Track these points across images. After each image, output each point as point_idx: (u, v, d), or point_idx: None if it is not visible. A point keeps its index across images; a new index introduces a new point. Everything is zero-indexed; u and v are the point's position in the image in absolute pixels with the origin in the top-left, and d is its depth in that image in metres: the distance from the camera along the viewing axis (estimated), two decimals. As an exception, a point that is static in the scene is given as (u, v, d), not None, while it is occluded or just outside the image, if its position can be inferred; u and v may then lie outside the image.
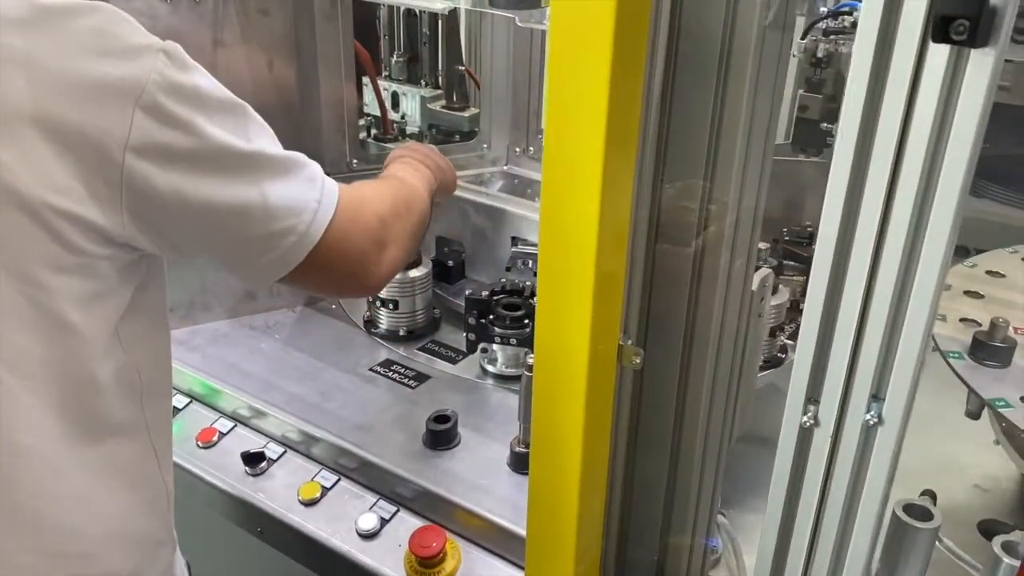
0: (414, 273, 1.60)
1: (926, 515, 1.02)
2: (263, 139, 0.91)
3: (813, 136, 1.33)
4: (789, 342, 1.57)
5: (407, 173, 1.23)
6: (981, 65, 0.68)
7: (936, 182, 0.74)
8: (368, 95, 2.00)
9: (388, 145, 1.93)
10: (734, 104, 0.94)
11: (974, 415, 1.34)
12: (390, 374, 1.52)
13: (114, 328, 0.89)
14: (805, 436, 0.88)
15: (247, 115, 0.90)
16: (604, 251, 0.88)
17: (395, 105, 2.09)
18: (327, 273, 1.00)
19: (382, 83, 2.07)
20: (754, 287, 1.12)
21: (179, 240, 0.89)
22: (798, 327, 1.46)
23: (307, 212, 0.93)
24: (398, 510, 1.28)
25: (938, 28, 0.65)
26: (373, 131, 2.01)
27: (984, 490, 1.54)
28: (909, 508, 1.02)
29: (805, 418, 0.87)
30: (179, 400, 1.51)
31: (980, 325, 1.36)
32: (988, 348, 1.33)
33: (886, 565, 1.04)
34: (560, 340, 0.94)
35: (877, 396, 0.83)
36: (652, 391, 1.06)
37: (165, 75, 0.81)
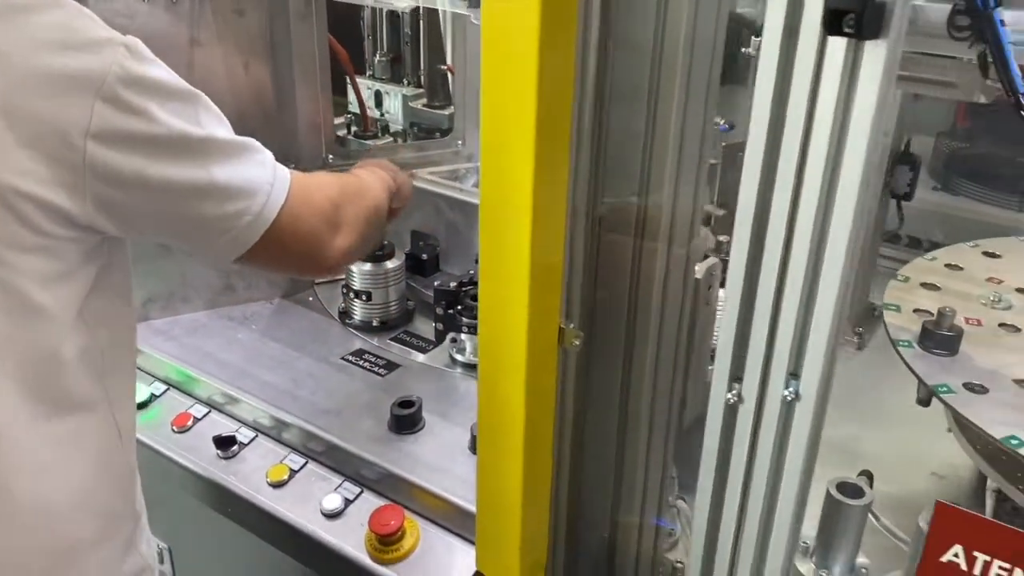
0: (388, 265, 1.65)
1: (858, 493, 1.07)
2: (217, 126, 0.96)
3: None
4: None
5: (361, 172, 1.28)
6: (874, 56, 0.72)
7: (840, 170, 0.78)
8: (351, 92, 2.05)
9: (368, 142, 1.98)
10: (666, 103, 0.98)
11: (924, 403, 1.37)
12: (361, 363, 1.56)
13: (78, 307, 0.94)
14: (730, 412, 0.92)
15: (201, 103, 0.95)
16: (539, 241, 0.93)
17: (378, 103, 2.15)
18: (283, 252, 1.05)
19: (366, 82, 2.12)
20: (699, 276, 1.17)
21: (140, 222, 0.94)
22: None
23: (261, 193, 0.98)
24: (362, 491, 1.33)
25: (831, 22, 0.70)
26: (354, 128, 2.06)
27: (941, 477, 1.58)
28: (842, 486, 1.07)
29: (730, 395, 0.92)
30: (157, 387, 1.57)
31: (933, 315, 1.40)
32: (936, 337, 1.37)
33: (822, 541, 1.09)
34: (501, 324, 0.98)
35: (795, 374, 0.87)
36: (597, 373, 1.11)
37: (125, 67, 0.86)
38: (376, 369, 1.55)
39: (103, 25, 0.90)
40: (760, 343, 0.88)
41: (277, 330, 1.67)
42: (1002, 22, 1.11)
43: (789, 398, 0.87)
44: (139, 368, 1.58)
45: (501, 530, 1.09)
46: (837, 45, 0.74)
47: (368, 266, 1.64)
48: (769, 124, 0.80)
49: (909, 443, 1.57)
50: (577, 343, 1.03)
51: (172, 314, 1.68)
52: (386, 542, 1.22)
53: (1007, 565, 0.81)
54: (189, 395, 1.55)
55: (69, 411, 0.96)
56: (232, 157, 0.96)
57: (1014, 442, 1.16)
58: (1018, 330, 1.45)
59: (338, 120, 2.05)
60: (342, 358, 1.58)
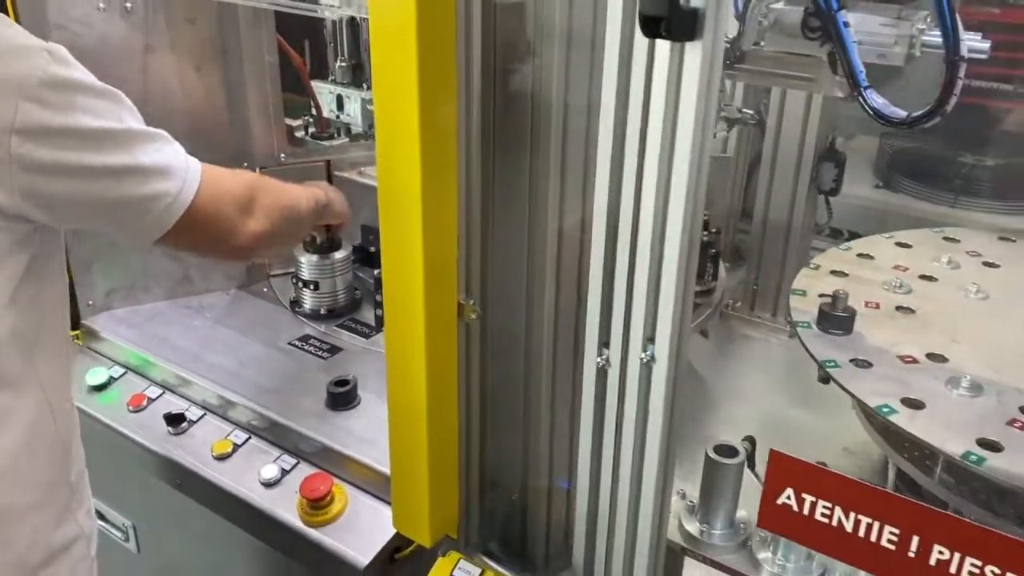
0: (335, 256, 1.76)
1: (733, 453, 1.18)
2: (136, 120, 1.07)
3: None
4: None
5: (291, 184, 1.41)
6: (691, 56, 0.83)
7: (673, 157, 0.89)
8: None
9: (324, 143, 2.09)
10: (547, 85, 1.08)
11: (824, 380, 1.47)
12: (306, 347, 1.67)
13: (10, 293, 1.03)
14: (601, 375, 1.03)
15: (120, 100, 1.05)
16: (431, 227, 1.04)
17: (340, 106, 2.24)
18: (199, 234, 1.16)
19: (328, 86, 2.21)
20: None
21: (66, 209, 1.05)
22: None
23: (177, 178, 1.09)
24: (298, 463, 1.44)
25: (647, 27, 0.81)
26: (311, 129, 2.16)
27: (852, 453, 1.68)
28: (719, 448, 1.17)
29: (600, 360, 1.03)
30: (116, 371, 1.68)
31: (834, 299, 1.50)
32: (831, 318, 1.48)
33: (704, 499, 1.20)
34: (402, 302, 1.09)
35: (651, 339, 0.98)
36: (500, 346, 1.21)
37: (48, 71, 0.97)
38: (320, 353, 1.66)
39: (27, 33, 1.01)
40: (620, 314, 0.99)
41: (231, 318, 1.78)
42: (846, 23, 1.24)
43: (647, 360, 0.98)
44: (99, 353, 1.70)
45: (411, 491, 1.20)
46: (663, 48, 0.85)
47: (316, 257, 1.75)
48: (615, 119, 0.91)
49: (829, 421, 1.67)
50: (475, 316, 1.13)
51: (134, 303, 1.80)
52: (316, 506, 1.33)
53: (829, 504, 0.92)
54: (145, 377, 1.66)
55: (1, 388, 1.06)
56: (151, 143, 1.07)
57: (885, 410, 1.27)
58: (913, 312, 1.56)
59: (298, 122, 2.15)
60: (289, 343, 1.69)
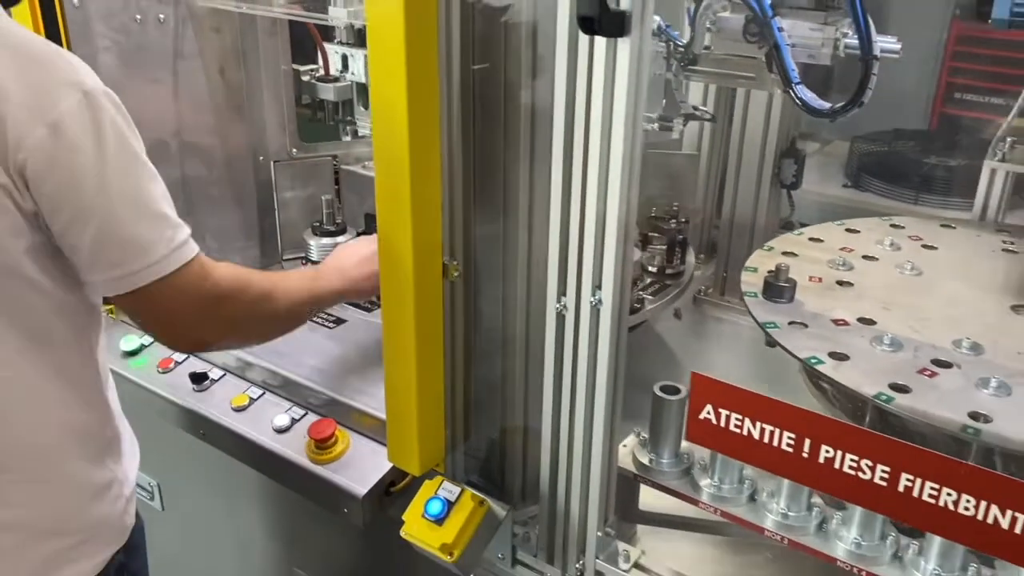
0: (339, 239, 1.97)
1: (675, 391, 1.37)
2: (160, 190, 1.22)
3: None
4: (646, 295, 1.92)
5: (305, 280, 1.48)
6: (622, 51, 1.04)
7: (611, 138, 1.09)
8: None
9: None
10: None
11: (770, 344, 1.66)
12: (315, 319, 1.87)
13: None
14: (560, 319, 1.23)
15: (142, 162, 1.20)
16: (418, 200, 1.24)
17: (344, 66, 2.38)
18: (154, 311, 1.25)
19: (334, 47, 2.32)
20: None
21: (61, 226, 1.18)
22: (653, 283, 1.83)
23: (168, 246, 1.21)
24: (307, 413, 1.64)
25: (583, 24, 1.01)
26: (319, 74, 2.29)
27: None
28: (664, 387, 1.37)
29: (558, 306, 1.23)
30: (146, 339, 1.89)
31: (783, 275, 1.69)
32: (774, 288, 1.68)
33: (653, 433, 1.39)
34: (394, 264, 1.30)
35: (599, 286, 1.18)
36: (481, 303, 1.41)
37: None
38: (327, 324, 1.86)
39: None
40: (574, 266, 1.19)
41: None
42: (780, 28, 1.45)
43: (595, 304, 1.19)
44: (128, 323, 1.92)
45: (403, 427, 1.40)
46: (600, 43, 1.05)
47: (324, 240, 1.96)
48: (566, 105, 1.12)
49: (780, 385, 1.83)
50: (457, 275, 1.34)
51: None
52: (322, 446, 1.53)
53: (740, 416, 1.12)
54: (172, 345, 1.87)
55: (54, 346, 1.26)
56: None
57: (813, 360, 1.47)
58: (852, 285, 1.76)
59: (305, 68, 2.25)
60: (301, 315, 1.89)
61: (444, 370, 1.40)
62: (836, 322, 1.59)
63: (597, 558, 1.34)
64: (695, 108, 1.70)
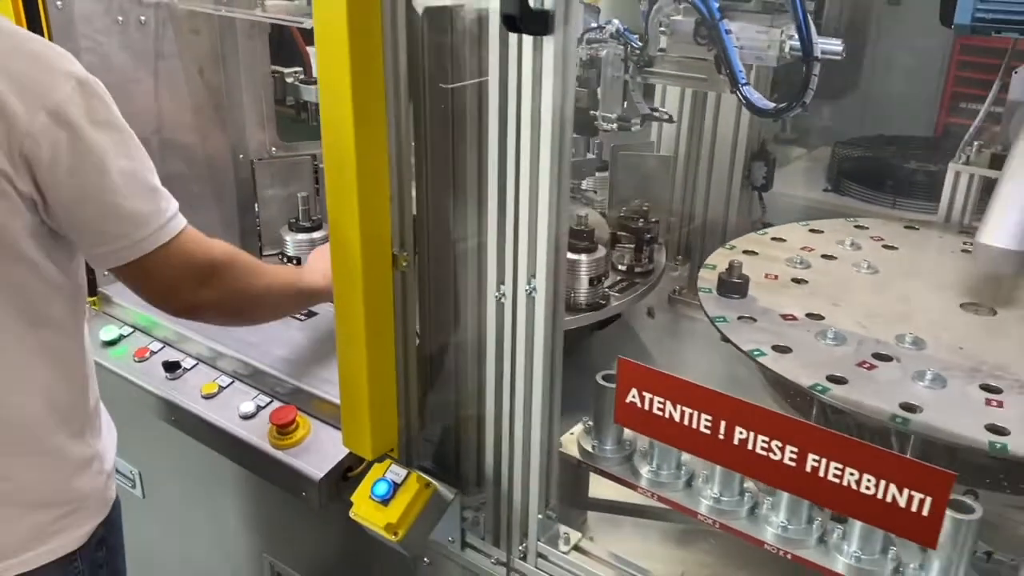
0: (315, 235, 2.02)
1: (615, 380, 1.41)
2: (149, 165, 1.32)
3: (586, 123, 1.73)
4: (612, 293, 1.96)
5: (291, 272, 1.60)
6: (547, 48, 1.09)
7: (540, 129, 1.14)
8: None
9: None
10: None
11: (726, 339, 1.71)
12: (288, 312, 1.93)
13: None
14: (500, 306, 1.28)
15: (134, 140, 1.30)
16: (366, 196, 1.29)
17: None
18: (155, 278, 1.35)
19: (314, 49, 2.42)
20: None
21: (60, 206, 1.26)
22: (621, 280, 1.87)
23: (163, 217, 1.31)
24: (272, 401, 1.70)
25: (507, 23, 1.06)
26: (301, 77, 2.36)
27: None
28: (606, 376, 1.41)
29: (497, 293, 1.28)
30: (125, 329, 1.96)
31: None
32: (728, 284, 1.73)
33: (596, 421, 1.44)
34: (345, 254, 1.35)
35: (534, 275, 1.23)
36: (434, 292, 1.46)
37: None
38: (298, 316, 1.92)
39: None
40: (511, 257, 1.24)
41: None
42: (728, 31, 1.49)
43: (530, 292, 1.23)
44: (112, 316, 1.99)
45: (356, 413, 1.45)
46: (528, 40, 1.10)
47: (300, 236, 2.02)
48: (499, 102, 1.17)
49: (738, 382, 1.85)
50: (406, 265, 1.39)
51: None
52: (282, 432, 1.59)
53: (662, 399, 1.16)
54: (150, 335, 1.93)
55: (46, 326, 1.33)
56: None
57: (756, 352, 1.51)
58: (806, 283, 1.80)
59: (289, 69, 2.31)
60: (274, 309, 1.95)
61: (395, 357, 1.45)
62: (785, 317, 1.64)
63: (539, 540, 1.39)
64: (653, 109, 1.74)
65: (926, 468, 0.96)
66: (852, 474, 1.03)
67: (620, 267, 2.04)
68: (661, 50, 1.65)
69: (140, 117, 1.92)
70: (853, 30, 3.22)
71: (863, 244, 1.99)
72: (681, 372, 2.03)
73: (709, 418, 1.12)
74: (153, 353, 1.87)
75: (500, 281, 1.27)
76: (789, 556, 1.22)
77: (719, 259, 1.86)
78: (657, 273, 2.08)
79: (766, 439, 1.08)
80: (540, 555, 1.40)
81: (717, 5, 1.50)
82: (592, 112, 1.69)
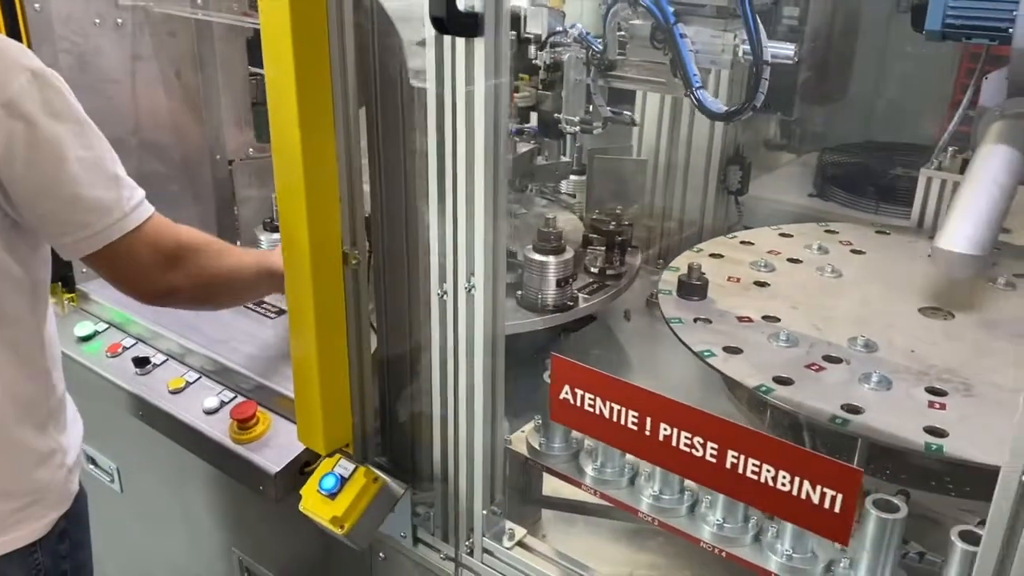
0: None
1: (564, 379, 1.43)
2: (111, 155, 1.35)
3: (552, 127, 1.75)
4: (582, 294, 1.97)
5: (256, 252, 1.62)
6: (479, 49, 1.11)
7: (474, 135, 1.16)
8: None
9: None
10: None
11: (680, 340, 1.71)
12: (259, 309, 1.96)
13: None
14: (443, 303, 1.30)
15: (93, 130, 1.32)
16: (313, 196, 1.31)
17: None
18: (122, 265, 1.37)
19: None
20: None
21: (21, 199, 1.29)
22: (592, 283, 1.88)
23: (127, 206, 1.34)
24: (236, 396, 1.72)
25: (436, 25, 1.09)
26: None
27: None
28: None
29: (440, 291, 1.30)
30: (100, 326, 1.99)
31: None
32: (687, 286, 1.74)
33: (544, 420, 1.45)
34: (296, 252, 1.37)
35: (473, 274, 1.25)
36: (389, 290, 1.48)
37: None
38: (269, 314, 1.95)
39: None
40: (451, 256, 1.26)
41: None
42: (682, 35, 1.51)
43: (470, 289, 1.25)
44: (88, 312, 2.02)
45: (309, 410, 1.47)
46: (461, 43, 1.13)
47: (274, 235, 2.05)
48: (436, 103, 1.19)
49: (705, 386, 1.86)
50: (356, 263, 1.41)
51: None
52: (243, 427, 1.61)
53: (592, 395, 1.18)
54: (124, 331, 1.97)
55: (7, 322, 1.36)
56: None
57: (706, 353, 1.52)
58: (768, 285, 1.81)
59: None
60: (246, 306, 1.98)
61: (348, 353, 1.47)
62: (741, 319, 1.65)
63: (484, 536, 1.40)
64: (614, 112, 1.76)
65: (835, 464, 0.97)
66: (769, 471, 1.04)
67: (592, 269, 2.06)
68: (621, 54, 1.67)
69: (118, 118, 1.96)
70: (862, 38, 3.20)
71: (831, 248, 1.99)
72: (654, 374, 2.08)
73: (636, 414, 1.13)
74: (126, 349, 1.91)
75: (442, 279, 1.29)
76: (724, 554, 1.23)
77: (683, 262, 1.87)
78: (629, 276, 2.09)
79: (688, 435, 1.09)
80: (486, 551, 1.41)
81: (672, 10, 1.52)
82: (556, 115, 1.72)
